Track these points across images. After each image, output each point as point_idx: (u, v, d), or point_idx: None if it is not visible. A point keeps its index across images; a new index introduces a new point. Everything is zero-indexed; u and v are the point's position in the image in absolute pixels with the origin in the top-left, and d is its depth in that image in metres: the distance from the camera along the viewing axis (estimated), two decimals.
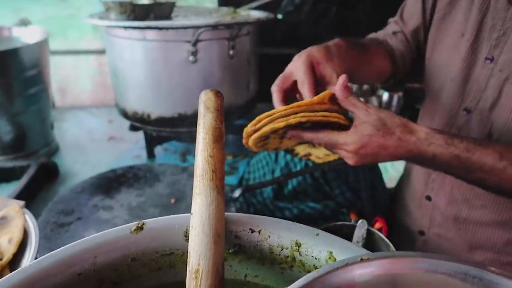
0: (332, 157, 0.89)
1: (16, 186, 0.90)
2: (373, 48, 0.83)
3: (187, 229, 0.36)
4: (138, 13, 0.92)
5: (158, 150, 1.17)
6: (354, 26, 1.50)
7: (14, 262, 0.52)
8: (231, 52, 0.93)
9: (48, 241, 0.62)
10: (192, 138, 1.23)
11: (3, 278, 0.31)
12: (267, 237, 0.36)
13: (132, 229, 0.36)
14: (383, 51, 0.85)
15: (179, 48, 0.88)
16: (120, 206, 0.72)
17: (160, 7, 0.98)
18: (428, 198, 0.83)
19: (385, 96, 1.44)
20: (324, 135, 0.57)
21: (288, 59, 1.62)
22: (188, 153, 1.17)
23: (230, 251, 0.37)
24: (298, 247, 0.35)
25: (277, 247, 0.36)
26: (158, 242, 0.36)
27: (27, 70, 1.00)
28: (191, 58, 0.89)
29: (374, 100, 1.41)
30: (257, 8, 1.21)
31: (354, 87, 1.49)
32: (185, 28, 0.85)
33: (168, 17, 1.03)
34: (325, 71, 0.65)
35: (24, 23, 1.12)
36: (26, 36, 1.11)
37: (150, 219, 0.37)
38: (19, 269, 0.32)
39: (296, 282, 0.27)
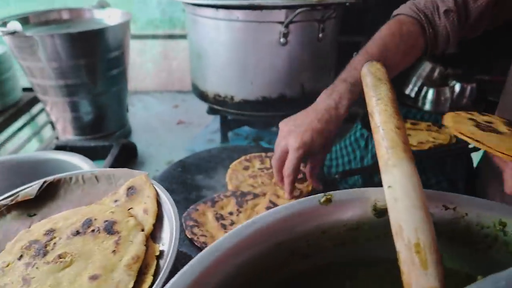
0: (427, 145, 0.86)
1: (103, 165, 0.91)
2: (398, 55, 0.74)
3: (375, 203, 0.35)
4: None
5: (229, 135, 1.16)
6: None
7: (154, 234, 0.48)
8: (320, 35, 0.91)
9: None
10: (266, 124, 1.20)
11: (213, 245, 0.29)
12: (463, 215, 0.34)
13: (322, 200, 0.34)
14: (415, 40, 0.74)
15: (270, 29, 0.86)
16: (221, 186, 0.71)
17: None
18: None
19: (457, 87, 1.38)
20: None
21: (356, 47, 1.56)
22: (261, 138, 1.16)
23: None
24: (503, 226, 0.33)
25: (476, 225, 0.34)
26: (347, 215, 0.34)
27: (111, 51, 1.01)
28: (282, 40, 0.87)
29: (447, 90, 1.35)
30: None
31: (422, 77, 1.43)
32: (281, 8, 0.83)
33: None
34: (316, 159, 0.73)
35: (102, 5, 1.13)
36: (106, 18, 1.12)
37: (335, 192, 0.35)
38: (225, 236, 0.30)
39: None
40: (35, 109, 1.40)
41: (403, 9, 0.78)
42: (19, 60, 0.97)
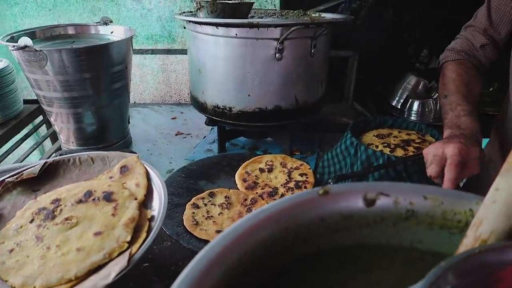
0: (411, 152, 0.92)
1: None
2: (477, 88, 0.83)
3: (366, 194, 0.40)
4: (226, 12, 0.98)
5: (226, 145, 1.21)
6: (410, 29, 1.54)
7: (145, 203, 0.58)
8: (313, 50, 0.98)
9: (169, 218, 0.67)
10: (261, 134, 1.25)
11: (234, 226, 0.35)
12: (440, 203, 0.40)
13: (320, 192, 0.40)
14: (475, 74, 0.84)
15: (266, 45, 0.93)
16: None
17: (242, 7, 1.04)
18: None
19: None
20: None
21: (344, 62, 1.64)
22: (256, 148, 1.22)
23: (403, 216, 0.41)
24: (472, 213, 0.39)
25: (450, 212, 0.40)
26: (342, 205, 0.40)
27: (115, 66, 1.07)
28: (277, 55, 0.93)
29: (431, 102, 1.44)
30: (321, 11, 1.27)
31: (407, 90, 1.52)
32: (277, 26, 0.90)
33: (246, 16, 1.08)
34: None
35: (106, 21, 1.19)
36: (110, 34, 1.18)
37: (331, 185, 0.41)
38: (243, 218, 0.36)
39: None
40: (37, 121, 1.44)
41: (445, 57, 0.89)
42: (26, 73, 1.02)
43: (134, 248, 0.48)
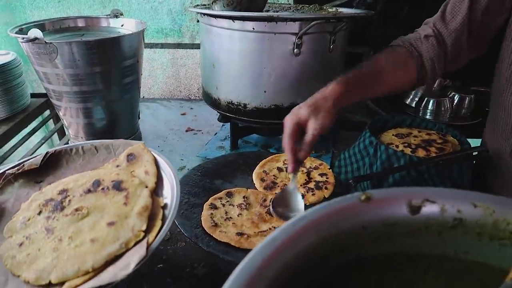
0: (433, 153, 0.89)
1: None
2: (389, 65, 0.83)
3: (410, 201, 0.37)
4: (242, 5, 0.95)
5: (238, 142, 1.18)
6: None
7: (156, 192, 0.56)
8: (331, 46, 0.94)
9: (187, 219, 0.64)
10: (274, 131, 1.22)
11: (272, 236, 0.32)
12: (491, 212, 0.37)
13: (362, 198, 0.37)
14: (405, 61, 0.85)
15: (284, 40, 0.90)
16: None
17: (257, 0, 1.01)
18: None
19: (457, 98, 1.43)
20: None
21: (359, 58, 1.62)
22: (269, 146, 1.19)
23: (449, 225, 0.38)
24: None
25: (503, 221, 0.37)
26: (385, 212, 0.37)
27: (126, 60, 1.04)
28: (295, 50, 0.90)
29: (446, 101, 1.40)
30: (337, 6, 1.23)
31: (422, 88, 1.48)
32: (296, 20, 0.86)
33: (261, 10, 1.05)
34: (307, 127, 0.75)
35: (116, 14, 1.16)
36: (120, 27, 1.15)
37: (373, 190, 0.38)
38: (281, 228, 0.33)
39: None
40: (45, 115, 1.42)
41: (392, 42, 0.90)
42: (35, 66, 0.99)
43: (151, 237, 0.46)
